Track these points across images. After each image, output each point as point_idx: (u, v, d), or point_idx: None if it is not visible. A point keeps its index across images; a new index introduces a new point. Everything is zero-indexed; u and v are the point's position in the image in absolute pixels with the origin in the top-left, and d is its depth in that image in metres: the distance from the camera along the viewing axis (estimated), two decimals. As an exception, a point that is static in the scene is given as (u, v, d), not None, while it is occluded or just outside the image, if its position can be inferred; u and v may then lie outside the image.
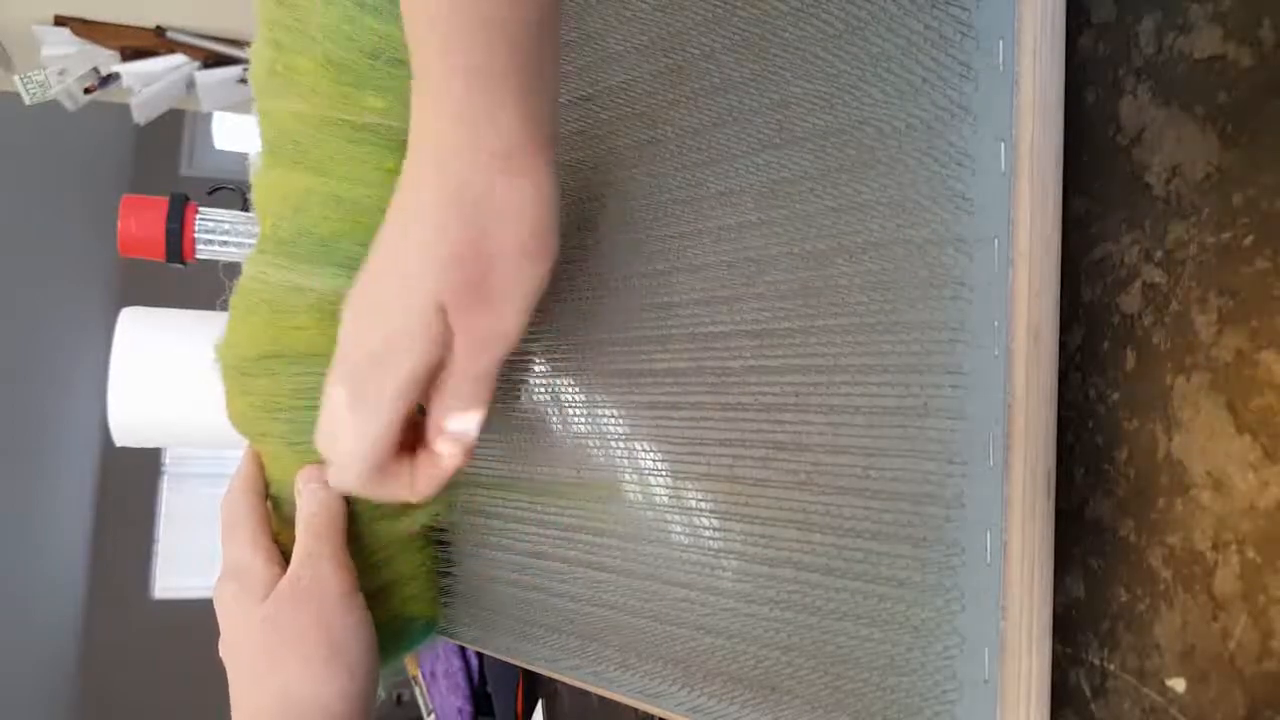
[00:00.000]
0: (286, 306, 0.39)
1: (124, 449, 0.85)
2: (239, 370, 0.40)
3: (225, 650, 0.38)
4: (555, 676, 0.39)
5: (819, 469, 0.29)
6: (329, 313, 0.38)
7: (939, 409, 0.26)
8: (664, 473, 0.34)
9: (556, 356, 0.39)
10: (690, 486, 0.33)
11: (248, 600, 0.37)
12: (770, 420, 0.31)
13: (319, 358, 0.38)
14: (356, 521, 0.41)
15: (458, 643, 0.44)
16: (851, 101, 0.29)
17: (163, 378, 0.80)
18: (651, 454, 0.35)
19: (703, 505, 0.33)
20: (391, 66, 0.38)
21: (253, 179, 0.41)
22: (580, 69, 0.39)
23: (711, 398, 0.33)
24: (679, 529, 0.34)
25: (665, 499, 0.34)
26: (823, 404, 0.29)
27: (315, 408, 0.39)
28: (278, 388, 0.39)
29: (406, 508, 0.41)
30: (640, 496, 0.35)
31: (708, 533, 0.33)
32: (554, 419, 0.39)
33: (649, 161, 0.35)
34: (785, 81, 0.31)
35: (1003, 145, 0.25)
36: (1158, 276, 0.25)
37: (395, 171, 0.39)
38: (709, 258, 0.33)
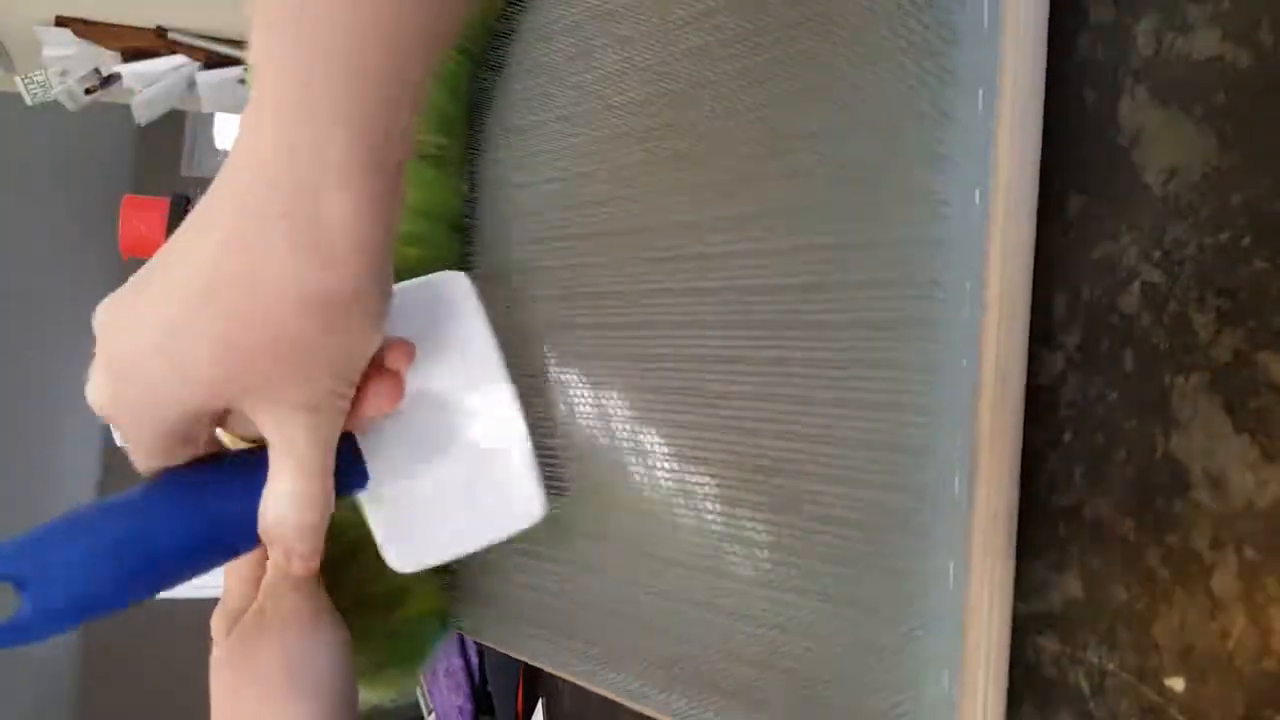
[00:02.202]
0: None
1: (124, 448, 0.85)
2: None
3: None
4: (548, 669, 0.40)
5: (796, 494, 0.30)
6: None
7: (907, 445, 0.27)
8: (648, 487, 0.35)
9: (552, 364, 0.39)
10: (677, 502, 0.34)
11: (222, 629, 0.37)
12: (755, 444, 0.32)
13: None
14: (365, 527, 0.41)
15: (458, 630, 0.45)
16: (836, 144, 0.30)
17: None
18: (636, 467, 0.35)
19: (686, 521, 0.34)
20: None
21: None
22: (576, 85, 0.39)
23: (700, 418, 0.33)
24: (664, 540, 0.34)
25: (652, 509, 0.35)
26: (802, 433, 0.30)
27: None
28: None
29: None
30: (624, 506, 0.36)
31: (690, 548, 0.33)
32: (544, 428, 0.39)
33: (641, 181, 0.36)
34: (779, 122, 0.31)
35: (978, 191, 0.26)
36: (1156, 276, 0.25)
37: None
38: (698, 282, 0.34)
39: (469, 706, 0.71)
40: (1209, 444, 0.24)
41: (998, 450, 0.26)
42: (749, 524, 0.31)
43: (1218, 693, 0.23)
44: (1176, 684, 0.24)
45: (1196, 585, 0.24)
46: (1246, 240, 0.23)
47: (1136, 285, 0.26)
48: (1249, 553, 0.23)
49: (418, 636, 0.43)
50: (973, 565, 0.26)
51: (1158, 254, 0.25)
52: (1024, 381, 0.27)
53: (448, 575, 0.44)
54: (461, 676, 0.71)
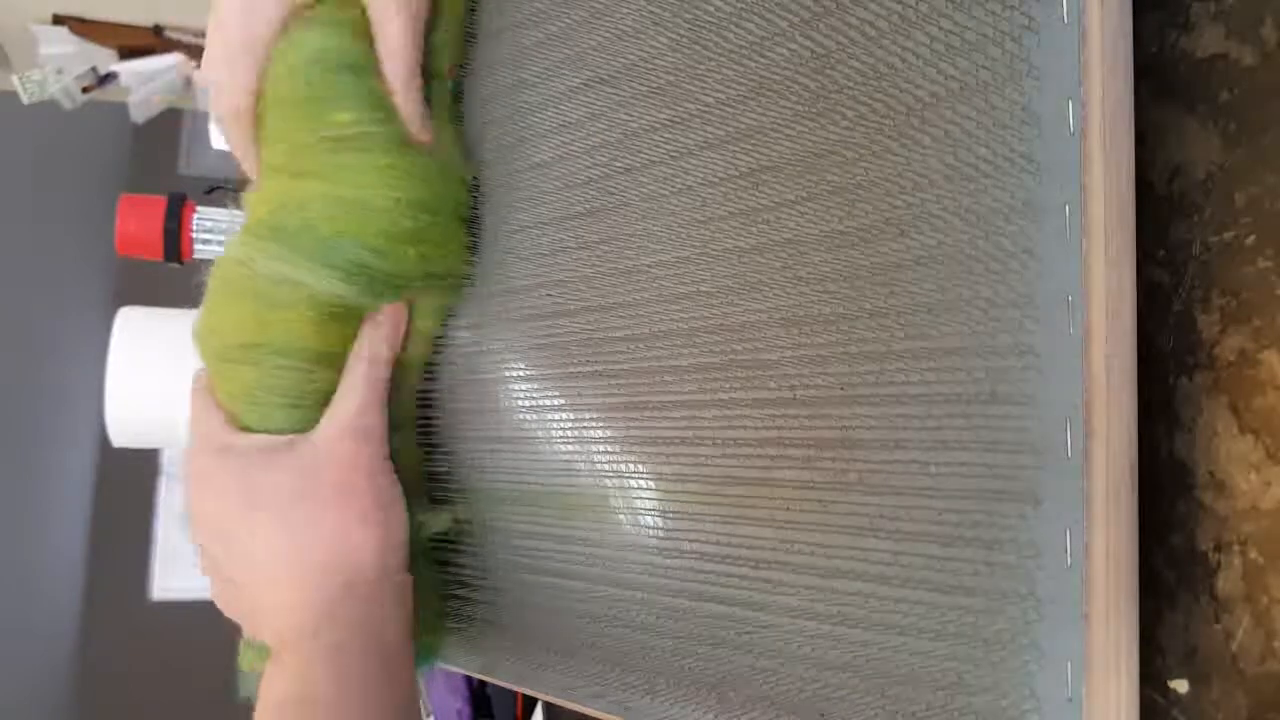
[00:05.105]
0: (277, 300, 0.37)
1: (122, 449, 0.85)
2: (222, 357, 0.39)
3: (235, 509, 0.37)
4: (572, 706, 0.36)
5: (871, 468, 0.26)
6: (322, 313, 0.37)
7: (1007, 394, 0.24)
8: (693, 478, 0.31)
9: (569, 357, 0.36)
10: (723, 493, 0.30)
11: (279, 451, 0.37)
12: (812, 415, 0.28)
13: (305, 351, 0.38)
14: None
15: (462, 671, 0.41)
16: (898, 61, 0.26)
17: (160, 377, 0.80)
18: (679, 459, 0.32)
19: (738, 513, 0.30)
20: (347, 75, 0.38)
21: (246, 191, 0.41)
22: (593, 48, 0.36)
23: (745, 394, 0.30)
24: (711, 540, 0.31)
25: (695, 508, 0.31)
26: (874, 394, 0.26)
27: (292, 406, 0.38)
28: (258, 379, 0.38)
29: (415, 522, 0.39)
30: (667, 506, 0.32)
31: (744, 543, 0.30)
32: (569, 425, 0.36)
33: (670, 143, 0.33)
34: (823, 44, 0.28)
35: (1070, 103, 0.23)
36: (1160, 276, 0.25)
37: (392, 168, 0.37)
38: (740, 241, 0.30)
39: (467, 710, 0.70)
40: (1213, 445, 0.24)
41: (1115, 398, 0.23)
42: (815, 507, 0.28)
43: (1221, 695, 0.23)
44: (1180, 686, 0.24)
45: (1200, 587, 0.24)
46: (1251, 239, 0.23)
47: (1140, 285, 0.26)
48: (1253, 554, 0.23)
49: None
50: (1094, 533, 0.22)
51: (1161, 253, 0.25)
52: (1135, 315, 0.24)
53: (446, 602, 0.41)
54: (460, 679, 0.71)
